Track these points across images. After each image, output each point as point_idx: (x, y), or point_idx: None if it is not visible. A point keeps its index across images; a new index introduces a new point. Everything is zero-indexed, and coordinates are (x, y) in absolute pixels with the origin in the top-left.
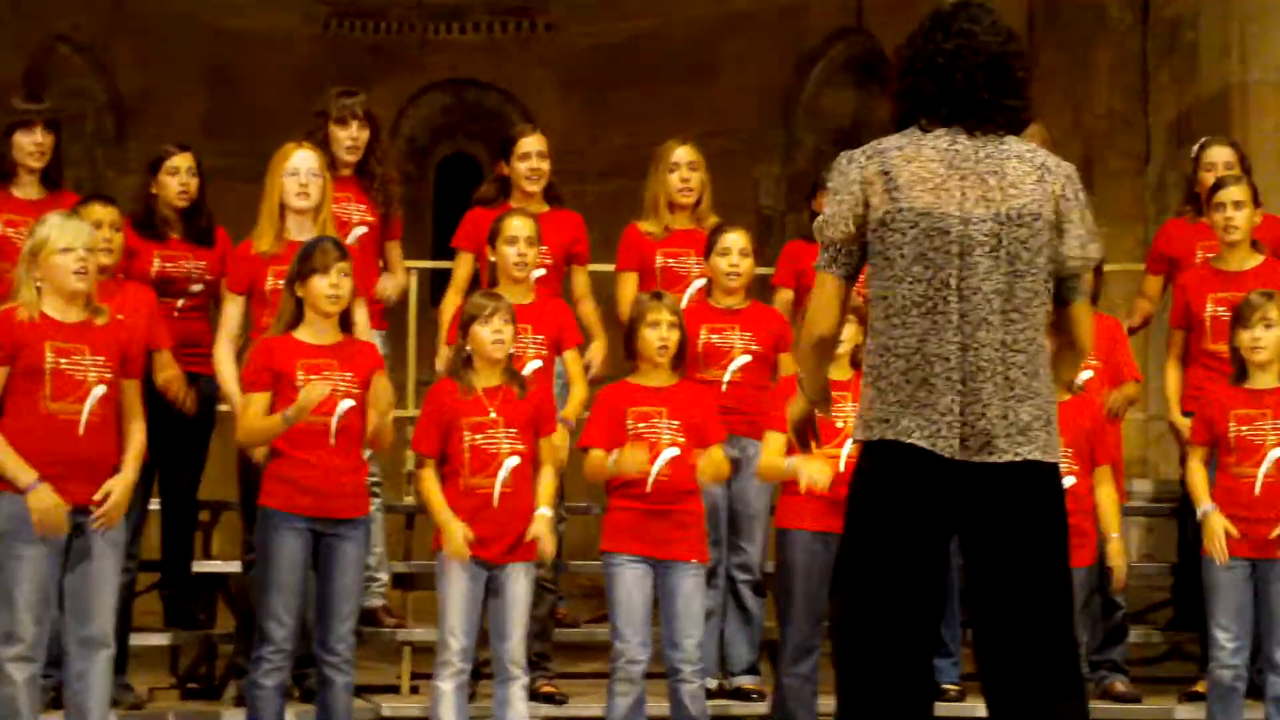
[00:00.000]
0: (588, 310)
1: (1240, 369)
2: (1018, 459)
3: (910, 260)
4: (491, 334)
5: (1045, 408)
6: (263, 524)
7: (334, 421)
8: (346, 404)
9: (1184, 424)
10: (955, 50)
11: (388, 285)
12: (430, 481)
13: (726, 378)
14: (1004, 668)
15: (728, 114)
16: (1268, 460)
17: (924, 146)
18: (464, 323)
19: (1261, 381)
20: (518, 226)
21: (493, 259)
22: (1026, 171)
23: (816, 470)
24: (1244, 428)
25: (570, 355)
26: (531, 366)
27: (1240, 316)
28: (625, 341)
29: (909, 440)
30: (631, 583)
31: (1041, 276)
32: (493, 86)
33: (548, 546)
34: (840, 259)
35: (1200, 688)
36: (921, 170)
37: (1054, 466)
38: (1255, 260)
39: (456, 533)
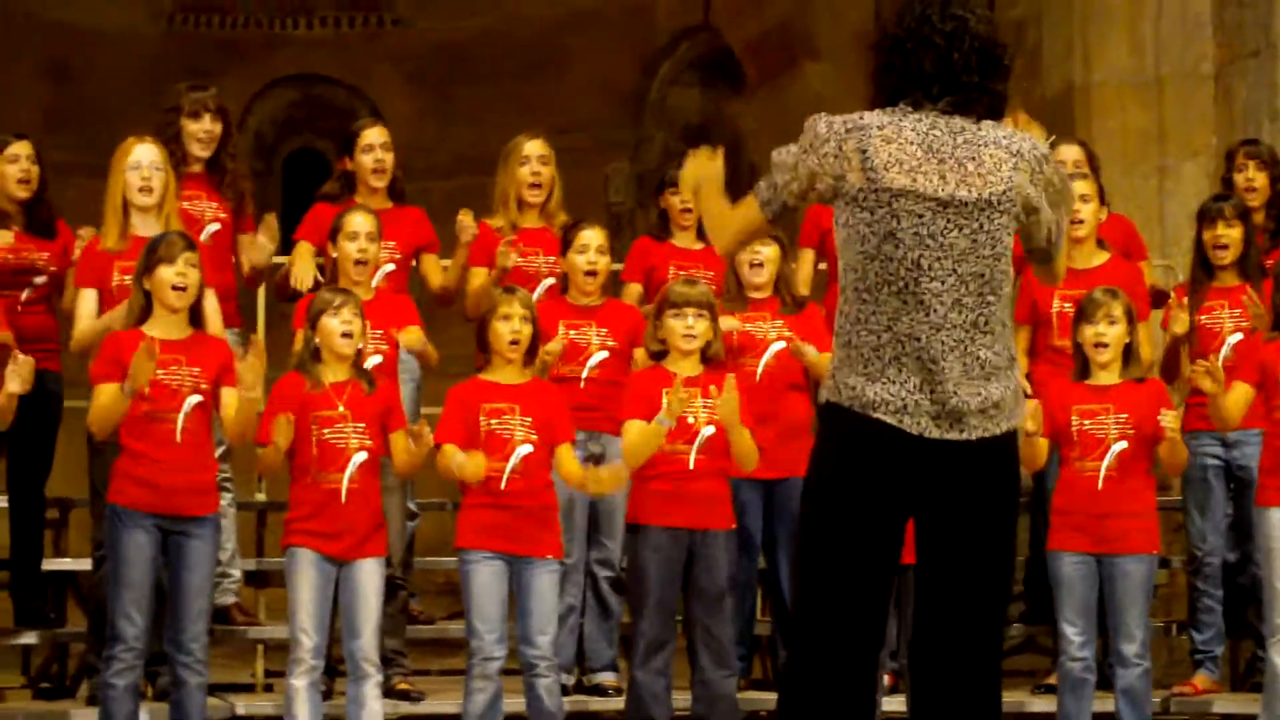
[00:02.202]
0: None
1: (1083, 365)
2: (987, 434)
3: (881, 238)
4: (340, 326)
5: (1012, 385)
6: (111, 521)
7: (180, 418)
8: (194, 400)
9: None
10: (953, 32)
11: (262, 249)
12: (266, 453)
13: (584, 374)
14: (935, 649)
15: (576, 111)
16: (1110, 455)
17: (904, 128)
18: (312, 316)
19: (1104, 377)
20: (359, 223)
21: (334, 255)
22: (1002, 159)
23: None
24: (1086, 422)
25: (411, 334)
26: (372, 362)
27: (1084, 312)
28: (477, 335)
29: (875, 415)
30: (487, 579)
31: (1009, 258)
32: (340, 82)
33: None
34: (775, 205)
35: (1052, 680)
36: (900, 152)
37: (1013, 434)
38: (1101, 258)
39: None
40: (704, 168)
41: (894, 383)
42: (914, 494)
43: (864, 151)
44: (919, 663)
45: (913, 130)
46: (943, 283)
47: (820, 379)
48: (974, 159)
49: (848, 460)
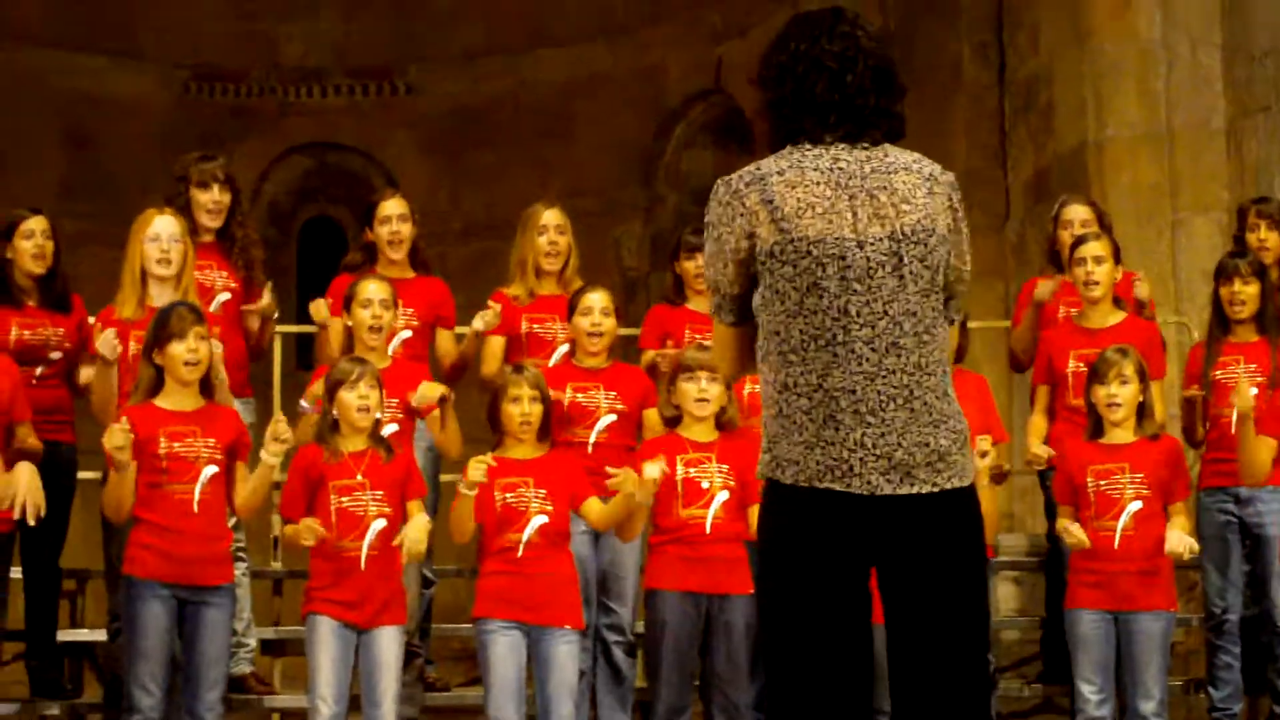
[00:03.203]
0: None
1: (1096, 424)
2: (937, 489)
3: (803, 293)
4: (358, 399)
5: (960, 429)
6: (127, 592)
7: (197, 489)
8: (210, 470)
9: (1042, 451)
10: (843, 52)
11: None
12: (292, 528)
13: (592, 438)
14: (917, 703)
15: (588, 174)
16: (1125, 514)
17: (806, 169)
18: (329, 387)
19: (1118, 436)
20: (372, 290)
21: (349, 323)
22: (916, 184)
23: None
24: (1101, 482)
25: (432, 416)
26: (388, 430)
27: (1096, 372)
28: (488, 414)
29: (822, 485)
30: (504, 650)
31: (937, 299)
32: (354, 149)
33: (416, 543)
34: (726, 305)
35: None
36: (808, 195)
37: (971, 489)
38: (1117, 317)
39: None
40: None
41: (833, 444)
42: (871, 553)
43: (770, 202)
44: None
45: (814, 170)
46: (873, 328)
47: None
48: (885, 187)
49: (798, 537)
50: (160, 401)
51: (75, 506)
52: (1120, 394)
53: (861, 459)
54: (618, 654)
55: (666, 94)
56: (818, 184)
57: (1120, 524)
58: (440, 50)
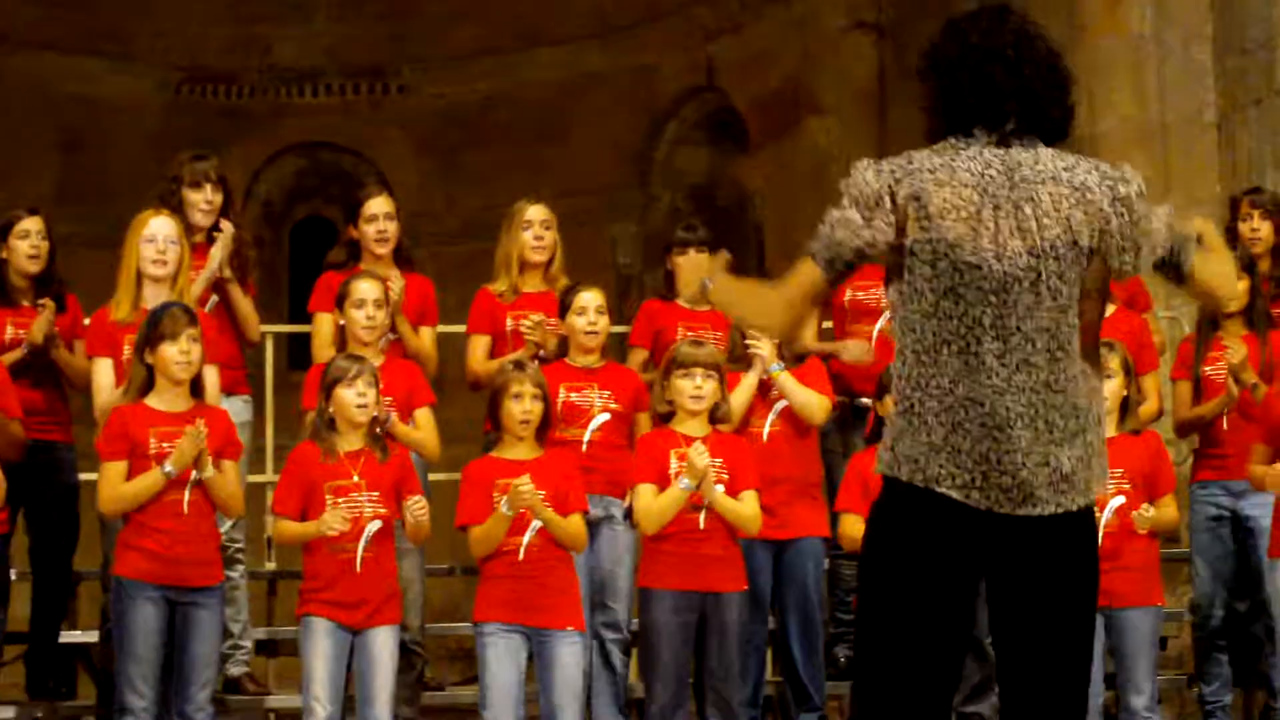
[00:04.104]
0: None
1: None
2: (1059, 510)
3: (940, 295)
4: (356, 397)
5: (1087, 448)
6: (117, 593)
7: (187, 490)
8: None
9: None
10: (1018, 43)
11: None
12: (289, 523)
13: (587, 437)
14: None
15: (582, 173)
16: (1108, 510)
17: (957, 169)
18: (326, 385)
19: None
20: (365, 290)
21: (341, 322)
22: (1063, 195)
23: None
24: None
25: (422, 414)
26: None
27: None
28: (489, 411)
29: (940, 489)
30: (504, 653)
31: (1082, 305)
32: (347, 149)
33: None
34: (838, 263)
35: None
36: (955, 197)
37: (1091, 509)
38: (1108, 310)
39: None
40: (706, 267)
41: (959, 452)
42: (980, 567)
43: (918, 198)
44: None
45: (966, 171)
46: (1005, 342)
47: (724, 513)
48: (1031, 200)
49: (910, 541)
50: (151, 401)
51: None
52: (1105, 388)
53: (984, 474)
54: (613, 652)
55: (659, 93)
56: (966, 186)
57: (1103, 520)
58: (433, 51)
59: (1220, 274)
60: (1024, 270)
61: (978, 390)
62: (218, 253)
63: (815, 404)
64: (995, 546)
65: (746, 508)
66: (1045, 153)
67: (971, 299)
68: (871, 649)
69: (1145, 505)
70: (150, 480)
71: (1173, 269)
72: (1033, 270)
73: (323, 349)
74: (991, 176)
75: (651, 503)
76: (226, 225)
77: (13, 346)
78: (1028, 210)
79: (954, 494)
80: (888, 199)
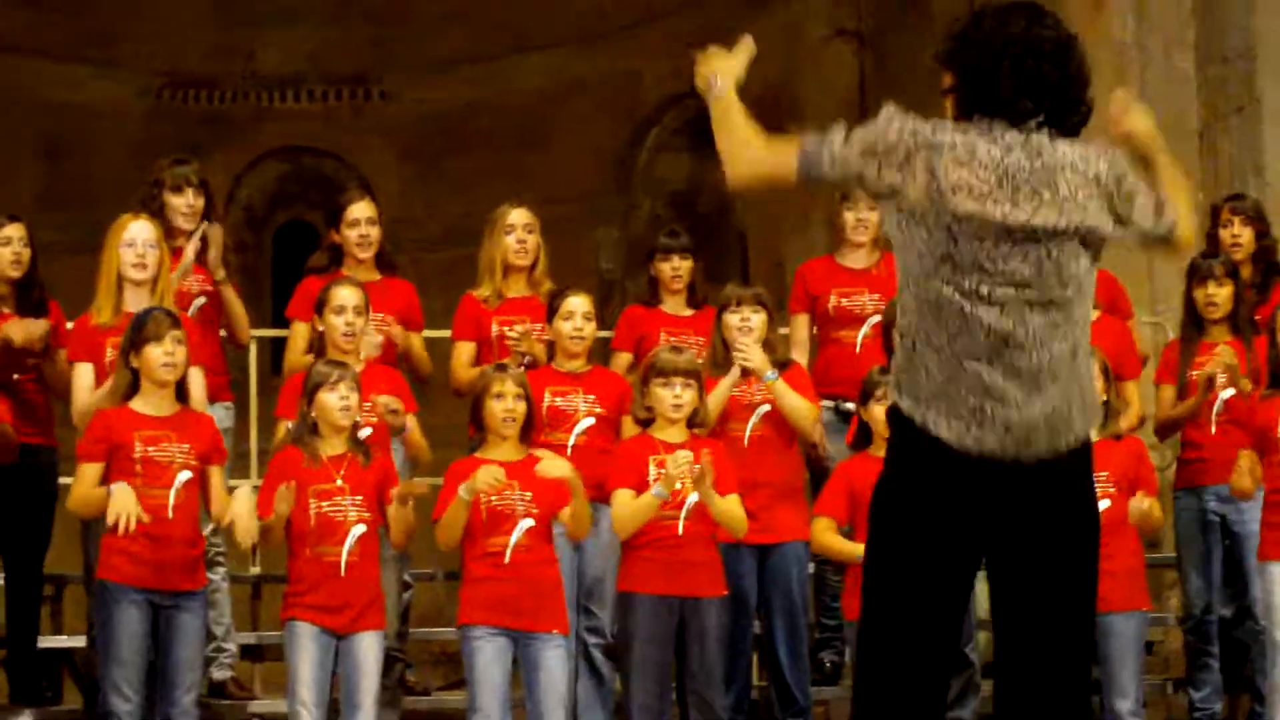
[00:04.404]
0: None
1: None
2: (1055, 453)
3: (938, 259)
4: (338, 400)
5: (1080, 399)
6: (101, 597)
7: (172, 494)
8: (184, 475)
9: None
10: (1058, 38)
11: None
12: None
13: (571, 441)
14: (1018, 681)
15: (565, 179)
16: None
17: (978, 150)
18: (308, 390)
19: None
20: (345, 295)
21: (320, 329)
22: (1078, 184)
23: (678, 465)
24: None
25: (411, 422)
26: (364, 433)
27: None
28: (471, 414)
29: (936, 434)
30: (491, 656)
31: (1086, 282)
32: (329, 154)
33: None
34: (815, 171)
35: None
36: (970, 177)
37: (1087, 445)
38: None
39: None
40: (724, 65)
41: (954, 400)
42: (984, 520)
43: (932, 171)
44: (1003, 678)
45: (987, 154)
46: (1001, 308)
47: (717, 515)
48: (1049, 185)
49: (913, 483)
50: (135, 405)
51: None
52: None
53: (980, 423)
54: (598, 656)
55: (641, 99)
56: (984, 167)
57: None
58: (416, 57)
59: (1188, 226)
60: (1030, 244)
61: (974, 348)
62: (192, 248)
63: (806, 410)
64: (995, 496)
65: (738, 509)
66: (1064, 143)
67: (967, 267)
68: (876, 594)
69: (1140, 495)
70: (100, 494)
71: (1161, 240)
72: (1037, 244)
73: (295, 356)
74: (1013, 161)
75: (625, 507)
76: (216, 227)
77: None
78: (1045, 195)
79: (950, 439)
80: (899, 155)
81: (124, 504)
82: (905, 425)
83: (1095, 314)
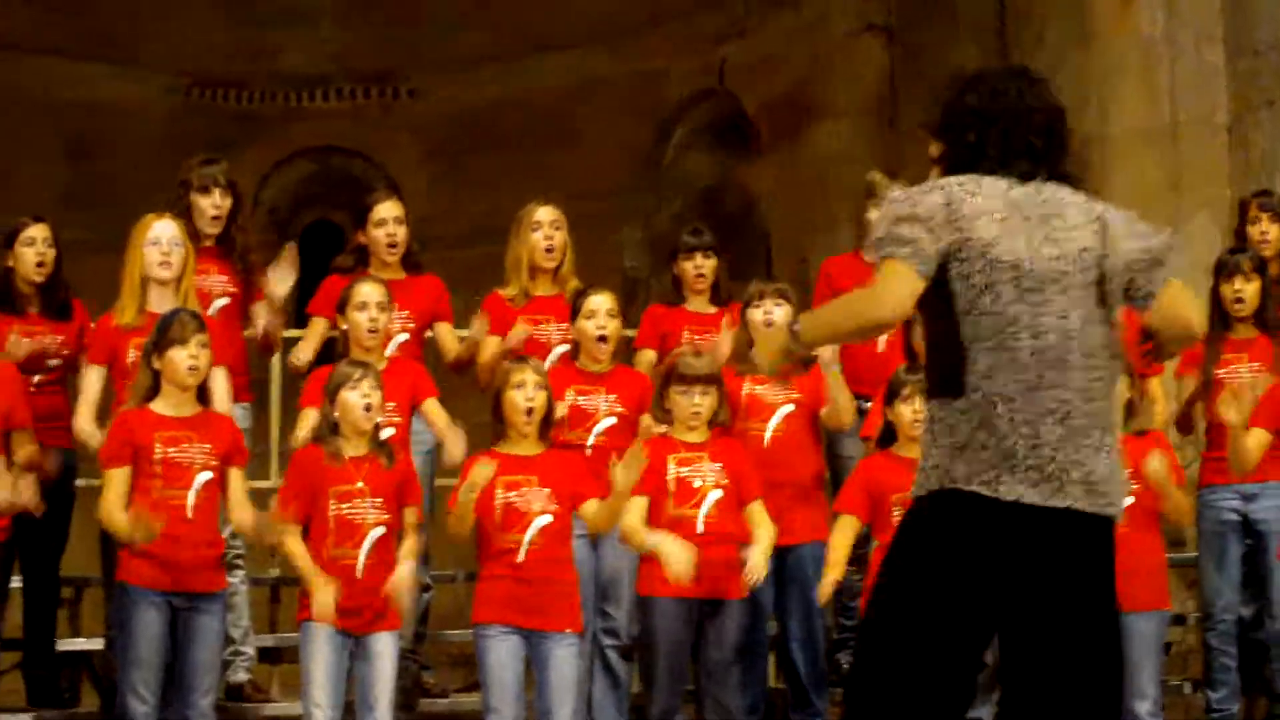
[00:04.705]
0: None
1: None
2: (1091, 509)
3: (978, 291)
4: (360, 399)
5: (1117, 460)
6: (120, 599)
7: (191, 495)
8: (204, 476)
9: None
10: (1041, 104)
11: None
12: (295, 543)
13: (591, 440)
14: None
15: (590, 178)
16: None
17: (983, 183)
18: (331, 389)
19: None
20: (367, 292)
21: (344, 326)
22: (1083, 221)
23: (680, 563)
24: None
25: (429, 405)
26: (385, 434)
27: None
28: (492, 408)
29: (967, 488)
30: (504, 655)
31: (1109, 326)
32: (356, 153)
33: (404, 601)
34: (929, 265)
35: None
36: (986, 204)
37: (1115, 521)
38: None
39: (326, 595)
40: (779, 328)
41: (984, 447)
42: (1009, 564)
43: (948, 204)
44: None
45: (992, 187)
46: (1040, 339)
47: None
48: (1058, 215)
49: (935, 539)
50: (156, 407)
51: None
52: None
53: (1012, 467)
54: (614, 658)
55: (667, 97)
56: (994, 197)
57: None
58: (442, 56)
59: (1194, 307)
60: (1058, 273)
61: (1009, 386)
62: (283, 287)
63: (852, 410)
64: (1024, 541)
65: (768, 535)
66: (1062, 189)
67: (1009, 296)
68: (881, 657)
69: (1154, 453)
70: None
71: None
72: (1064, 274)
73: (306, 351)
74: (1016, 195)
75: (632, 522)
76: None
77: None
78: (1055, 224)
79: (982, 490)
80: (921, 213)
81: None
82: (930, 500)
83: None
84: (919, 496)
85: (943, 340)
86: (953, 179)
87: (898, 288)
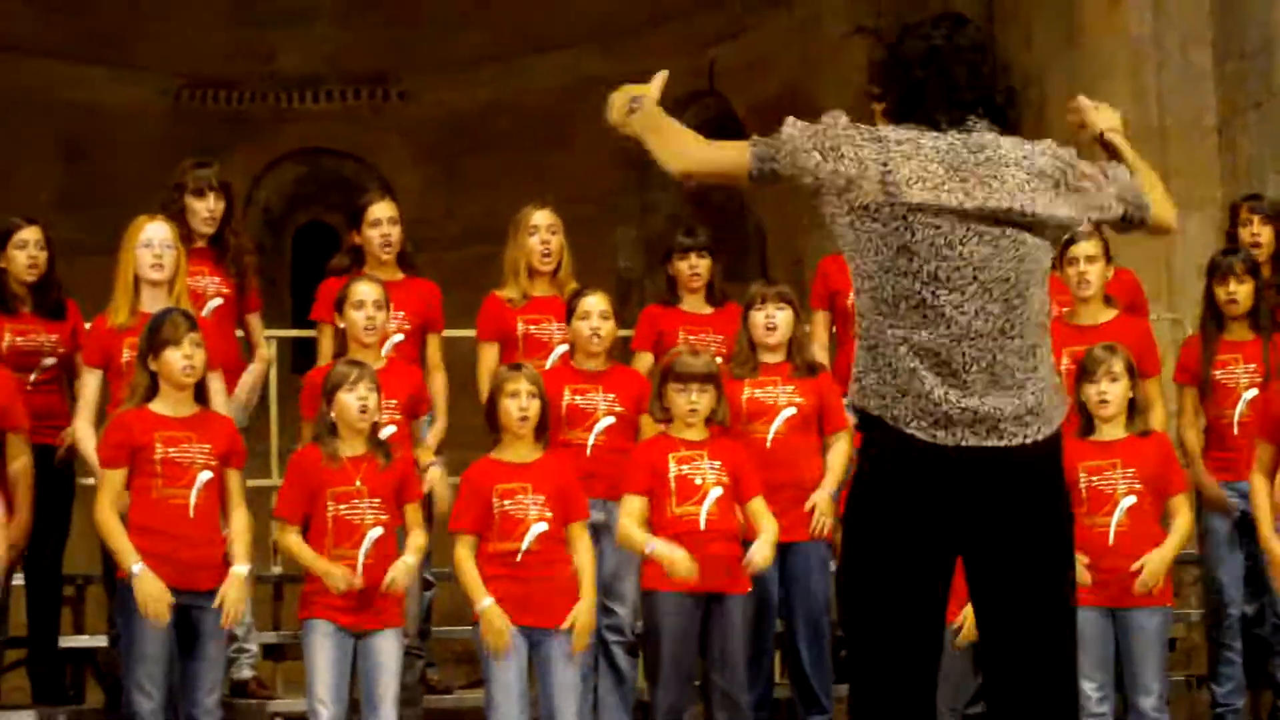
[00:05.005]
0: (438, 383)
1: (1087, 421)
2: (1027, 440)
3: (895, 252)
4: (357, 400)
5: (1043, 385)
6: (124, 597)
7: (193, 495)
8: (205, 476)
9: None
10: (975, 46)
11: (247, 379)
12: (295, 540)
13: (591, 440)
14: (1006, 668)
15: (583, 179)
16: (1119, 510)
17: (923, 145)
18: (328, 390)
19: (1108, 433)
20: (364, 291)
21: (342, 325)
22: (1023, 180)
23: (681, 565)
24: (1094, 478)
25: (434, 475)
26: (386, 432)
27: (1085, 370)
28: (486, 414)
29: (909, 430)
30: (507, 654)
31: (1042, 254)
32: (349, 155)
33: (399, 587)
34: (767, 168)
35: None
36: (921, 169)
37: (1057, 435)
38: (1108, 315)
39: (338, 571)
40: (639, 90)
41: (920, 396)
42: (960, 514)
43: (884, 164)
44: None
45: (932, 148)
46: (963, 293)
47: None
48: (996, 176)
49: (888, 482)
50: (155, 407)
51: (74, 512)
52: (1110, 391)
53: (947, 413)
54: (619, 655)
55: (660, 99)
56: (932, 160)
57: (1114, 520)
58: (434, 57)
59: (1165, 209)
60: (986, 226)
61: (935, 340)
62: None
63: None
64: (969, 486)
65: (772, 527)
66: (1005, 139)
67: (925, 255)
68: (858, 595)
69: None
70: (121, 545)
71: (1137, 223)
72: (993, 225)
73: (324, 359)
74: (956, 153)
75: (630, 524)
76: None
77: (11, 354)
78: (993, 184)
79: (920, 434)
80: (848, 151)
81: (149, 592)
82: (876, 425)
83: (1114, 313)
84: (861, 408)
85: (870, 284)
86: (892, 138)
87: (709, 155)
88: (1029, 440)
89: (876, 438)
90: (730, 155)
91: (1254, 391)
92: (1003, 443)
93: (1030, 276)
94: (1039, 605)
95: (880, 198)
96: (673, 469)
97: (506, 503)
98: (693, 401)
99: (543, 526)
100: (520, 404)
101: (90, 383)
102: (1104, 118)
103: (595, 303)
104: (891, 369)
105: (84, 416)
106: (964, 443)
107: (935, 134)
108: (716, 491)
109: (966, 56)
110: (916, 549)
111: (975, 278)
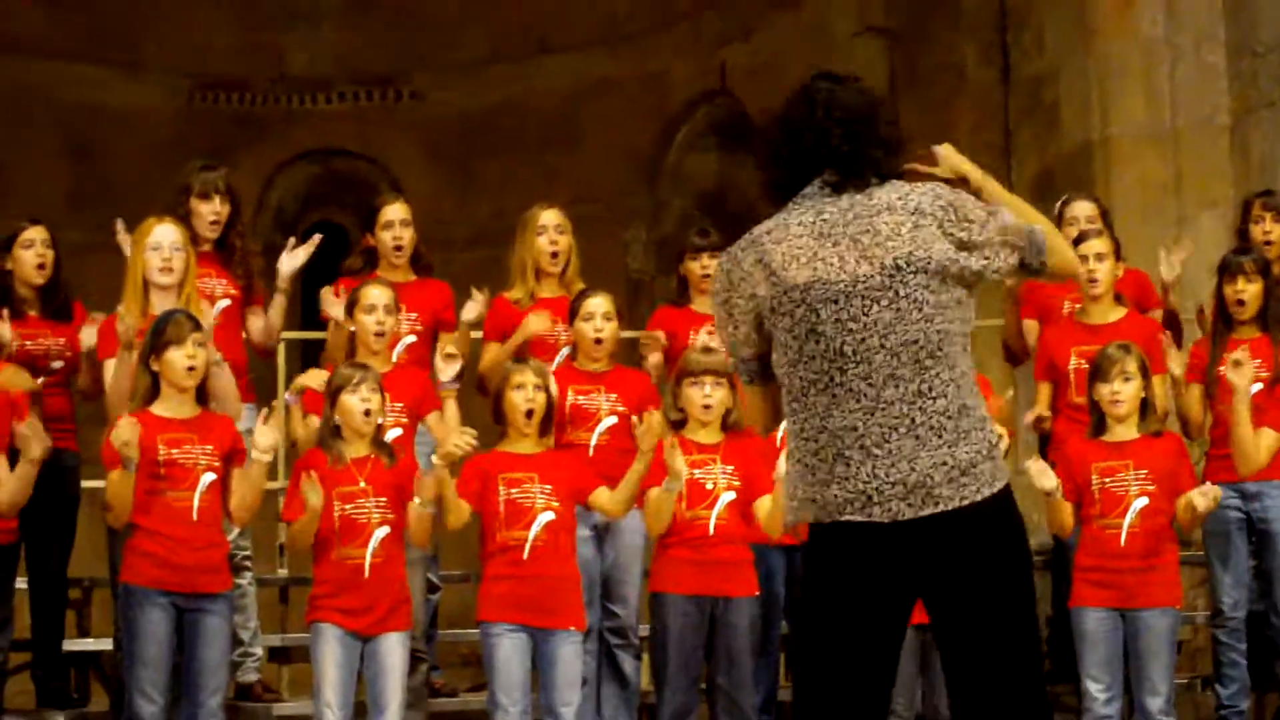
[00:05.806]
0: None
1: (1099, 421)
2: (965, 503)
3: (802, 340)
4: (360, 403)
5: (981, 440)
6: (126, 600)
7: (196, 496)
8: (208, 478)
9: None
10: (825, 101)
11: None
12: (293, 526)
13: (594, 440)
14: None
15: (594, 180)
16: (1131, 511)
17: (790, 224)
18: (331, 392)
19: (1121, 433)
20: (375, 295)
21: (352, 328)
22: (900, 221)
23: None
24: (1106, 479)
25: (433, 418)
26: (391, 435)
27: (1099, 370)
28: (493, 408)
29: (844, 518)
30: (510, 652)
31: (952, 313)
32: (360, 156)
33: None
34: (744, 367)
35: None
36: (792, 248)
37: (1004, 494)
38: (1118, 313)
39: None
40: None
41: (847, 479)
42: (908, 581)
43: (761, 259)
44: None
45: (799, 224)
46: (869, 363)
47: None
48: (869, 231)
49: (831, 576)
50: (157, 409)
51: (80, 515)
52: (1123, 391)
53: (878, 488)
54: (622, 657)
55: (670, 99)
56: (800, 236)
57: (1126, 521)
58: (445, 58)
59: (1066, 256)
60: (880, 290)
61: (849, 417)
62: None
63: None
64: (913, 557)
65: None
66: (880, 189)
67: (831, 333)
68: (805, 686)
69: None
70: (116, 483)
71: (1034, 269)
72: (888, 289)
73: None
74: (825, 219)
75: (648, 506)
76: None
77: (19, 357)
78: (866, 240)
79: (857, 518)
80: (740, 279)
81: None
82: (815, 531)
83: (1124, 311)
84: (807, 525)
85: (785, 389)
86: (762, 229)
87: (756, 411)
88: (967, 502)
89: (816, 540)
90: (750, 399)
91: (1258, 387)
92: (939, 509)
93: (943, 337)
94: (1002, 666)
95: (773, 290)
96: (684, 472)
97: (514, 491)
98: (706, 395)
99: (550, 516)
100: (527, 395)
101: (112, 367)
102: (955, 159)
103: (599, 304)
104: (811, 466)
105: (118, 392)
106: (900, 517)
107: (804, 207)
108: (728, 496)
109: (811, 122)
110: (865, 634)
111: (882, 345)
